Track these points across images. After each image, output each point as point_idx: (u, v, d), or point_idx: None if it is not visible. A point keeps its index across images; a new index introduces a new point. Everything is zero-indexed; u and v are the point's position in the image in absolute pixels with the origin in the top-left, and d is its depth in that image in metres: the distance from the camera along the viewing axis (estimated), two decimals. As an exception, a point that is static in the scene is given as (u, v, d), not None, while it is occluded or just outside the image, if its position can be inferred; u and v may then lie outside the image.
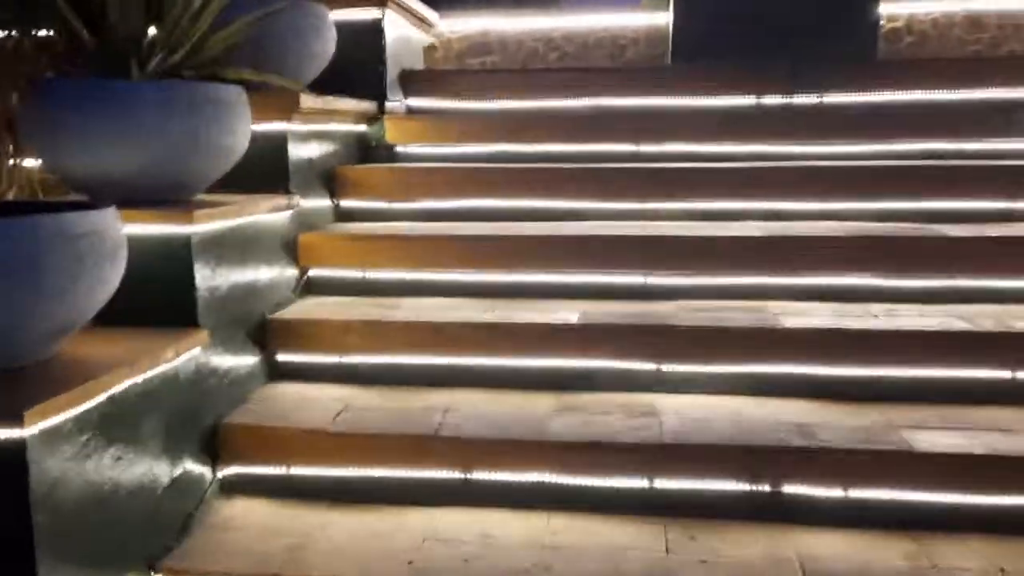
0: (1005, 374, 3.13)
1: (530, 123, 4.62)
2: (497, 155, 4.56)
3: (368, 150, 4.62)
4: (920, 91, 4.64)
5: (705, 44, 5.58)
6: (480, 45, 6.14)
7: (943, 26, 5.85)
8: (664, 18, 5.93)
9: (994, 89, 4.60)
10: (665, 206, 4.11)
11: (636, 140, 4.52)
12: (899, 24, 5.89)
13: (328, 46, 4.07)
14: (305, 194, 3.82)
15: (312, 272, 3.83)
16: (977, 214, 3.91)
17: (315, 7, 3.96)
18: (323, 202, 4.11)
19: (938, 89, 4.61)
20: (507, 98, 4.94)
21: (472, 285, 3.77)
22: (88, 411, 2.28)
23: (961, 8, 5.81)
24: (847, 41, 5.54)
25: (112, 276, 2.43)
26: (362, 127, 4.58)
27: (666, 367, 3.27)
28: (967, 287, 3.55)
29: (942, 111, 4.42)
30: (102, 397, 2.34)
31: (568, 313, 3.48)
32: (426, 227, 4.04)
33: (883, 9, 5.69)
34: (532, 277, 3.75)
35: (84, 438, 2.26)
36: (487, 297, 3.74)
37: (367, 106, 4.50)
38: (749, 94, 4.78)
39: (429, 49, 6.00)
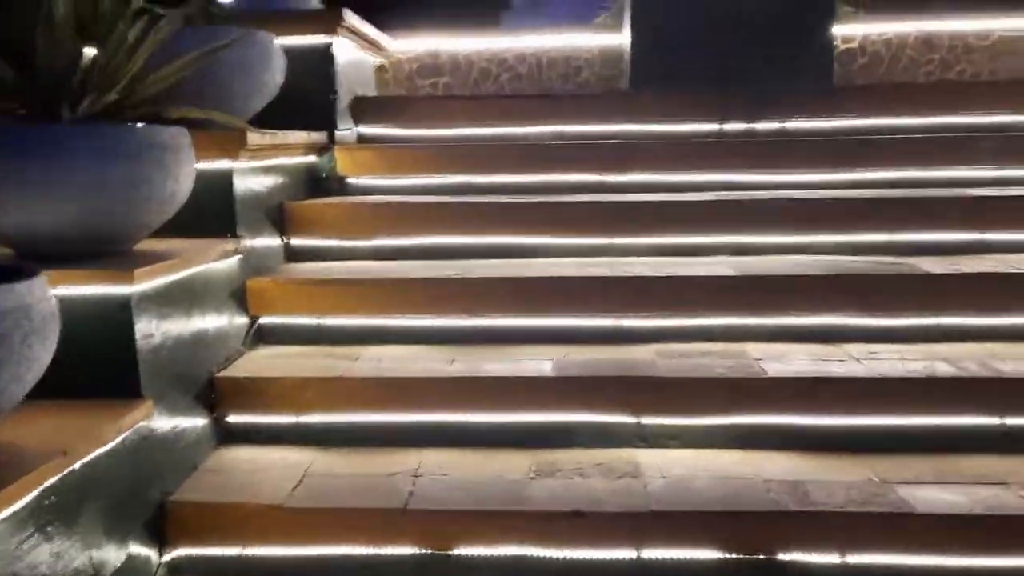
0: (993, 421, 3.03)
1: (489, 152, 4.41)
2: (456, 187, 4.35)
3: (318, 182, 4.36)
4: (886, 117, 4.58)
5: (661, 64, 5.41)
6: (431, 66, 5.91)
7: (896, 47, 5.83)
8: (619, 39, 5.78)
9: (958, 116, 4.56)
10: (633, 241, 3.94)
11: (601, 169, 4.35)
12: (853, 45, 5.85)
13: (276, 76, 3.80)
14: (253, 234, 3.55)
15: (263, 320, 3.56)
16: (951, 246, 3.83)
17: (263, 36, 3.69)
18: (272, 241, 3.84)
19: (903, 116, 4.55)
20: (464, 125, 4.73)
21: (436, 331, 3.54)
22: (19, 511, 1.99)
23: (914, 29, 5.79)
24: (803, 62, 5.44)
25: (43, 354, 2.14)
26: (312, 158, 4.32)
27: (647, 420, 3.09)
28: (947, 325, 3.45)
29: (910, 140, 4.34)
30: (35, 492, 2.06)
31: (540, 362, 3.28)
32: (384, 267, 3.80)
33: (837, 30, 5.62)
34: (500, 321, 3.54)
35: (16, 539, 1.98)
36: (452, 344, 3.52)
37: (317, 137, 4.24)
38: (711, 120, 4.65)
39: (379, 70, 5.75)
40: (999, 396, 3.04)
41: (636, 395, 3.10)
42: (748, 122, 4.62)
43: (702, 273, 3.57)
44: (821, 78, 5.27)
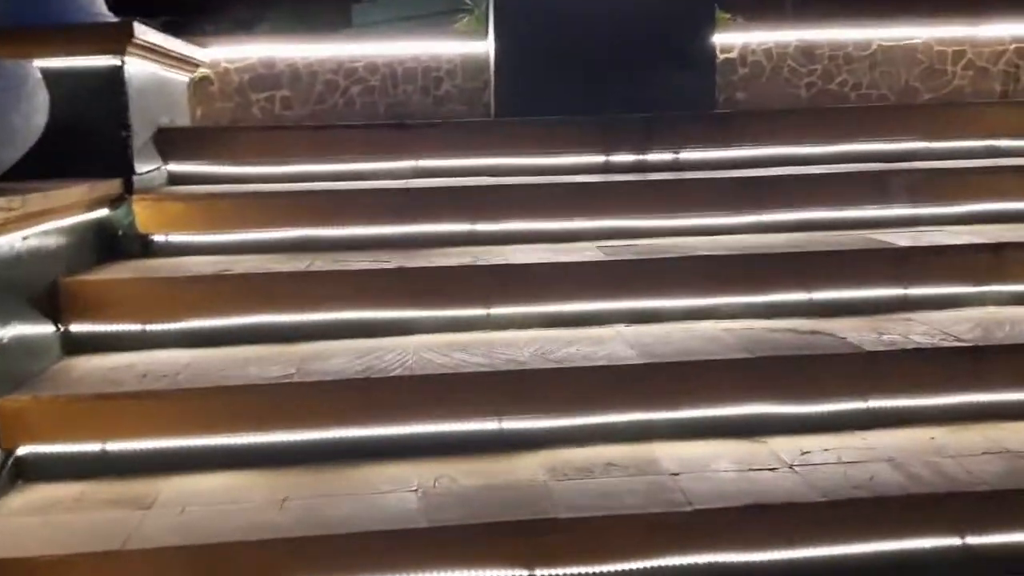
0: (954, 541, 2.44)
1: (337, 198, 3.52)
2: (295, 243, 3.42)
3: (114, 243, 3.32)
4: (787, 146, 3.97)
5: (529, 73, 4.63)
6: (266, 77, 4.89)
7: (777, 57, 5.27)
8: (484, 46, 4.95)
9: (864, 143, 4.01)
10: (511, 311, 3.16)
11: (472, 216, 3.53)
12: (733, 55, 5.25)
13: (36, 116, 2.77)
14: (5, 323, 2.53)
15: (24, 450, 2.55)
16: (872, 305, 3.25)
17: (9, 66, 2.63)
18: (40, 330, 2.81)
19: (806, 144, 3.96)
20: (305, 160, 3.79)
21: (264, 451, 2.65)
22: None
23: (795, 38, 5.25)
24: (684, 73, 4.77)
25: None
26: (103, 212, 3.28)
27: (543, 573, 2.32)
28: (881, 410, 2.85)
29: (818, 178, 3.73)
30: None
31: (404, 495, 2.45)
32: (195, 362, 2.85)
33: (717, 39, 4.99)
34: (350, 433, 2.69)
35: None
36: (287, 467, 2.63)
37: (106, 187, 3.20)
38: (596, 151, 3.92)
39: (200, 84, 4.68)
40: (959, 511, 2.45)
41: (531, 544, 2.33)
42: (638, 153, 3.91)
43: (600, 355, 2.83)
44: (703, 91, 4.63)
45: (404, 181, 3.78)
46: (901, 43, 5.22)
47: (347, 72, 5.00)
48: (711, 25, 4.77)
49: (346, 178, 3.80)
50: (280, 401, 2.66)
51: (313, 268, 3.11)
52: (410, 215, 3.49)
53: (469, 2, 5.48)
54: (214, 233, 3.40)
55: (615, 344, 2.95)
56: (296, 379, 2.68)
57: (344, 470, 2.62)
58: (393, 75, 5.03)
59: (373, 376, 2.70)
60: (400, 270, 3.12)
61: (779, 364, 2.83)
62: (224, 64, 4.78)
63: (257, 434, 2.64)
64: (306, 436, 2.66)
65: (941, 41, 5.20)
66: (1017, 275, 3.23)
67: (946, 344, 2.89)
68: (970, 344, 2.86)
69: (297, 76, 4.95)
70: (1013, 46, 5.18)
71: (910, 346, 2.87)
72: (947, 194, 3.64)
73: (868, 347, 2.87)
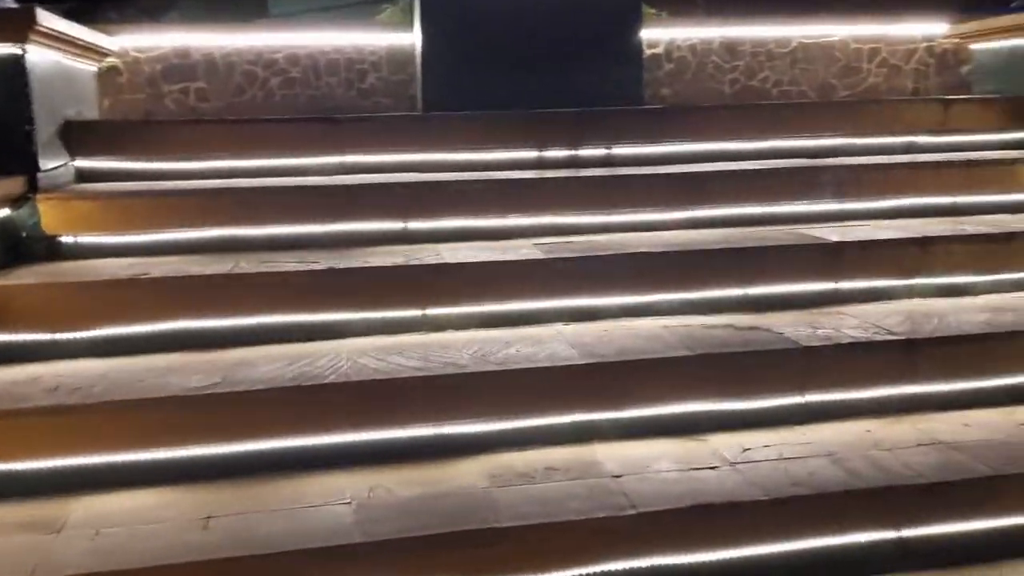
0: (891, 535, 2.45)
1: (259, 196, 3.33)
2: (215, 243, 3.23)
3: (18, 246, 3.07)
4: (719, 141, 3.96)
5: (456, 66, 4.51)
6: (180, 67, 4.63)
7: (702, 52, 5.29)
8: (410, 38, 4.80)
9: (793, 139, 4.04)
10: (449, 312, 3.05)
11: (404, 214, 3.40)
12: (659, 50, 5.24)
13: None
14: None
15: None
16: (807, 298, 3.26)
17: None
18: (-63, 344, 2.57)
19: (736, 140, 3.96)
20: (225, 156, 3.59)
21: (187, 466, 2.48)
22: None
23: (719, 35, 5.27)
24: (611, 67, 4.72)
25: None
26: (5, 212, 3.02)
27: (490, 586, 2.23)
28: (818, 403, 2.86)
29: (749, 174, 3.73)
30: None
31: (337, 508, 2.32)
32: (108, 372, 2.65)
33: (644, 34, 4.96)
34: (281, 443, 2.54)
35: None
36: (212, 482, 2.46)
37: (7, 184, 2.95)
38: (529, 147, 3.83)
39: (108, 74, 4.40)
40: (897, 505, 2.47)
41: (471, 551, 2.23)
42: (571, 148, 3.85)
43: (540, 355, 2.75)
44: (631, 86, 4.60)
45: (332, 177, 3.62)
46: (820, 40, 5.30)
47: (267, 63, 4.79)
48: (638, 20, 4.74)
49: (270, 174, 3.62)
50: (203, 412, 2.49)
51: (238, 270, 2.93)
52: (339, 213, 3.34)
53: (390, -11, 5.33)
54: (128, 234, 3.18)
55: (556, 344, 2.87)
56: (221, 389, 2.51)
57: (273, 484, 2.46)
58: (315, 66, 4.83)
59: (305, 383, 2.56)
60: (331, 271, 2.97)
61: (719, 361, 2.80)
62: (134, 53, 4.50)
63: (178, 448, 2.47)
64: (232, 448, 2.50)
65: (857, 39, 5.31)
66: (943, 268, 3.29)
67: (879, 337, 2.91)
68: (902, 337, 2.89)
69: (214, 67, 4.71)
70: (924, 44, 5.32)
71: (845, 340, 2.89)
72: (872, 189, 3.69)
73: (804, 342, 2.88)
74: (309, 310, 2.92)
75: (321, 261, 3.06)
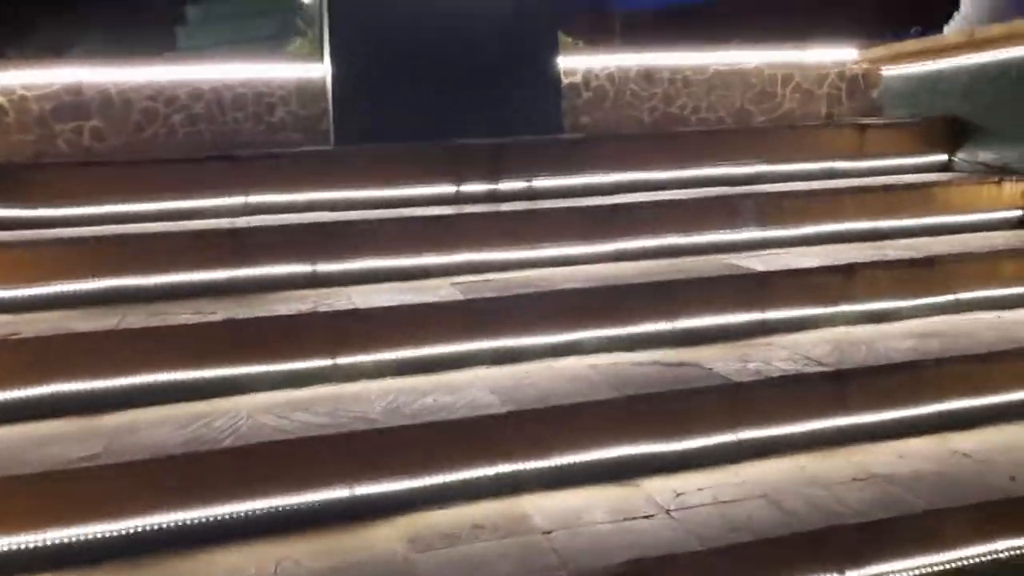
0: (832, 578, 2.33)
1: (154, 242, 3.07)
2: (105, 295, 2.95)
3: None
4: (636, 171, 3.87)
5: (369, 98, 4.33)
6: (72, 105, 4.32)
7: (620, 80, 5.23)
8: (320, 70, 4.61)
9: (710, 167, 3.98)
10: (360, 360, 2.84)
11: (312, 256, 3.18)
12: (576, 79, 5.16)
13: None
14: None
15: None
16: (732, 330, 3.16)
17: None
18: None
19: (655, 169, 3.87)
20: (119, 200, 3.31)
21: (69, 549, 2.20)
22: None
23: (636, 63, 5.23)
24: (530, 99, 4.61)
25: None
26: None
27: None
28: (753, 441, 2.74)
29: (668, 204, 3.62)
30: None
31: (238, 591, 2.07)
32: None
33: (561, 62, 4.87)
34: (174, 517, 2.28)
35: None
36: (97, 565, 2.19)
37: None
38: (446, 181, 3.66)
39: (-11, 115, 4.07)
40: (839, 547, 2.35)
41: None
42: (490, 182, 3.69)
43: (459, 404, 2.56)
44: (550, 116, 4.51)
45: (234, 220, 3.38)
46: (735, 67, 5.30)
47: (168, 99, 4.52)
48: (555, 48, 4.66)
49: (167, 218, 3.36)
50: (85, 487, 2.22)
51: (124, 325, 2.66)
52: (241, 258, 3.10)
53: (301, 24, 5.12)
54: (3, 289, 2.88)
55: (475, 391, 2.69)
56: (103, 460, 2.24)
57: (166, 564, 2.20)
58: (220, 101, 4.59)
59: (199, 448, 2.31)
60: (229, 322, 2.73)
61: (648, 402, 2.65)
62: (21, 91, 4.19)
63: (57, 529, 2.19)
64: (118, 526, 2.23)
65: (771, 65, 5.33)
66: (868, 294, 3.24)
67: (809, 369, 2.81)
68: (831, 369, 2.80)
69: (110, 104, 4.42)
70: (835, 70, 5.38)
71: (775, 373, 2.78)
72: (794, 216, 3.63)
73: (735, 377, 2.76)
74: (205, 365, 2.67)
75: (219, 311, 2.82)
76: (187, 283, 3.01)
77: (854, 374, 2.80)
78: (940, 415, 2.85)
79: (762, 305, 3.17)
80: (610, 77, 5.21)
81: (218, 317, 2.76)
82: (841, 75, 5.38)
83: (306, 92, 4.67)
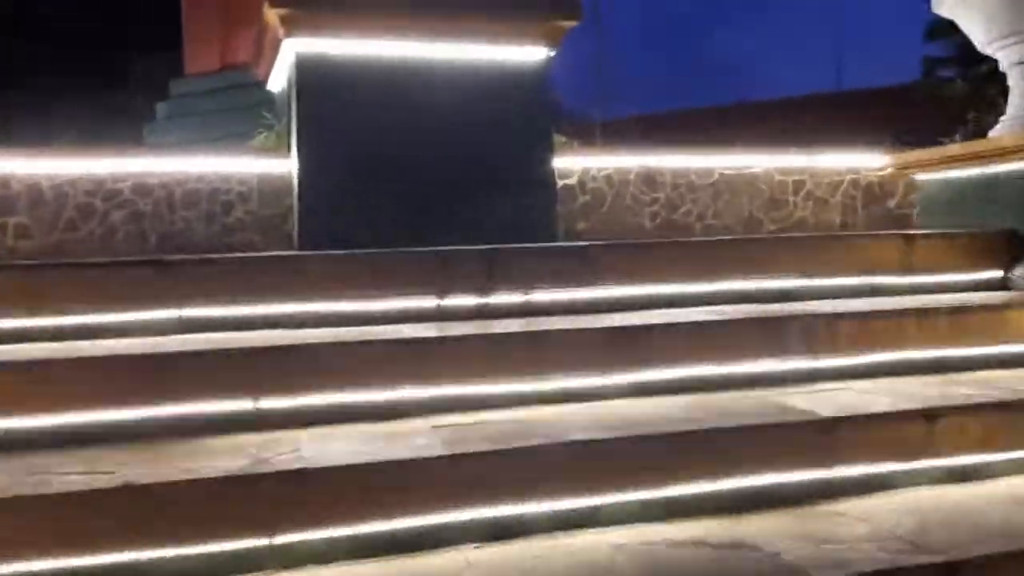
0: None
1: (44, 370, 2.30)
2: None
3: None
4: (652, 284, 3.21)
5: (341, 198, 3.69)
6: (-5, 199, 3.65)
7: (619, 183, 4.66)
8: (286, 165, 3.97)
9: (731, 280, 3.33)
10: (308, 538, 2.05)
11: (256, 389, 2.43)
12: (572, 181, 4.59)
13: None
14: None
15: None
16: (792, 492, 2.41)
17: None
18: None
19: (674, 282, 3.21)
20: (11, 314, 2.57)
21: None
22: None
23: (636, 164, 4.68)
24: (519, 199, 3.98)
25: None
26: None
27: None
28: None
29: (700, 327, 2.92)
30: None
31: None
32: None
33: (556, 164, 4.27)
34: None
35: None
36: None
37: None
38: (427, 293, 2.97)
39: None
40: None
41: None
42: (480, 295, 3.00)
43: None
44: (544, 221, 3.91)
45: (159, 339, 2.64)
46: (742, 171, 4.78)
47: (108, 193, 3.85)
48: (549, 148, 4.08)
49: (73, 337, 2.61)
50: None
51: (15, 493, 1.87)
52: (162, 391, 2.34)
53: (268, 116, 4.53)
54: None
55: (464, 588, 1.91)
56: None
57: None
58: (170, 198, 3.93)
59: None
60: (128, 488, 1.94)
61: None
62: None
63: None
64: None
65: (781, 170, 4.82)
66: (952, 446, 2.53)
67: (905, 559, 2.06)
68: (941, 560, 2.05)
69: (40, 198, 3.75)
70: (848, 177, 4.87)
71: (865, 566, 2.03)
72: (847, 343, 2.95)
73: (811, 569, 2.00)
74: (88, 550, 1.87)
75: (121, 468, 2.04)
76: (83, 426, 2.23)
77: (966, 566, 2.05)
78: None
79: (827, 460, 2.45)
80: (608, 179, 4.65)
81: (117, 478, 1.98)
82: (855, 183, 4.88)
83: (269, 189, 4.03)
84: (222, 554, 1.99)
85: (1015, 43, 4.06)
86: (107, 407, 2.26)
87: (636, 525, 2.26)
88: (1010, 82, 4.23)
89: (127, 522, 1.94)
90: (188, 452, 2.20)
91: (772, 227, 4.80)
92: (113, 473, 2.02)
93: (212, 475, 2.04)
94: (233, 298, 2.79)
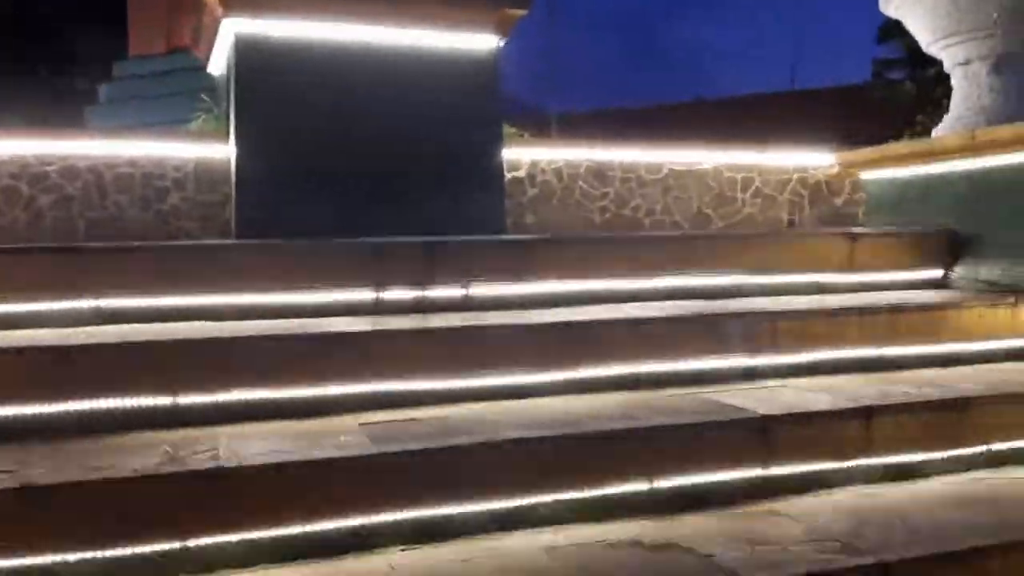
0: None
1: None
2: None
3: None
4: (594, 279, 3.14)
5: (281, 185, 3.57)
6: (-92, 181, 3.44)
7: (568, 177, 4.60)
8: (224, 150, 3.83)
9: (676, 276, 3.28)
10: (225, 540, 1.94)
11: (174, 385, 2.31)
12: (521, 174, 4.51)
13: None
14: None
15: None
16: (728, 491, 2.37)
17: None
18: None
19: (617, 277, 3.15)
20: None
21: None
22: None
23: (586, 158, 4.62)
24: (466, 190, 3.90)
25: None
26: None
27: None
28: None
29: (640, 324, 2.85)
30: None
31: None
32: None
33: (506, 155, 4.19)
34: None
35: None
36: None
37: None
38: (363, 285, 2.87)
39: None
40: None
41: None
42: (418, 288, 2.91)
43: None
44: (491, 213, 3.84)
45: (71, 331, 2.49)
46: (692, 168, 4.75)
47: (33, 177, 3.67)
48: (498, 139, 3.99)
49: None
50: None
51: None
52: (73, 386, 2.20)
53: (207, 99, 4.37)
54: None
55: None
56: None
57: None
58: (100, 182, 3.76)
59: None
60: (28, 488, 1.81)
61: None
62: None
63: None
64: None
65: (731, 167, 4.80)
66: (888, 445, 2.51)
67: (839, 562, 2.02)
68: (872, 560, 2.02)
69: (-42, 181, 3.55)
70: (797, 175, 4.88)
71: (799, 568, 1.99)
72: (788, 341, 2.92)
73: (744, 572, 1.96)
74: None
75: (23, 466, 1.90)
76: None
77: (901, 566, 2.03)
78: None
79: (763, 458, 2.41)
80: (558, 173, 4.58)
81: (13, 479, 1.85)
82: (803, 181, 4.88)
83: (207, 175, 3.88)
84: (132, 557, 1.87)
85: (957, 43, 4.08)
86: (8, 402, 2.12)
87: (570, 526, 2.19)
88: (953, 82, 4.26)
89: (27, 525, 1.81)
90: (98, 450, 2.07)
91: (720, 223, 4.78)
92: (13, 472, 1.89)
93: (122, 475, 1.92)
94: (153, 289, 2.65)
